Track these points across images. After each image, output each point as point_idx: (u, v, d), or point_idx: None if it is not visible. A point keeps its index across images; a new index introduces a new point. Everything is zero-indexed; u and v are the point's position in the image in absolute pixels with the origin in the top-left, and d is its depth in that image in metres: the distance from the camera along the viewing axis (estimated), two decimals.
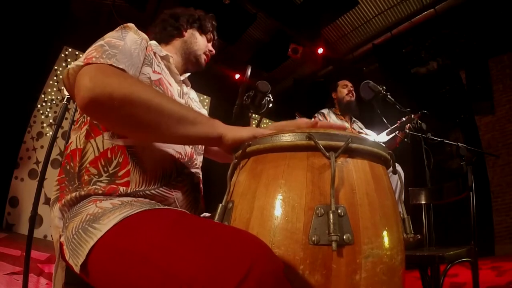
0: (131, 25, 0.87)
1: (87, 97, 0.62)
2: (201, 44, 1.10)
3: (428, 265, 1.38)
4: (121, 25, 0.85)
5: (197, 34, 1.10)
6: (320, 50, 4.73)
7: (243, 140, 0.70)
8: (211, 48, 1.14)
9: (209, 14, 1.16)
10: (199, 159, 0.97)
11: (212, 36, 1.15)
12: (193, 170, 0.89)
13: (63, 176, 0.77)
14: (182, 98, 0.99)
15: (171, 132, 0.68)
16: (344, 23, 4.65)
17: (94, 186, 0.72)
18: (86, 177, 0.74)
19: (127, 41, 0.79)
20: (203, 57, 1.10)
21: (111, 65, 0.69)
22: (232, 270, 0.45)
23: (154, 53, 0.92)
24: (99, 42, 0.75)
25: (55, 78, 3.93)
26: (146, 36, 0.91)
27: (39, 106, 3.80)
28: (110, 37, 0.78)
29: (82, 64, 0.68)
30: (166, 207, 0.72)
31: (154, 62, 0.90)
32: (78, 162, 0.75)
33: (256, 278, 0.44)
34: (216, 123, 0.74)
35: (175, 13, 1.11)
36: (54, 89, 3.90)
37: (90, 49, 0.73)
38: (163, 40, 1.07)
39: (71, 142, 0.80)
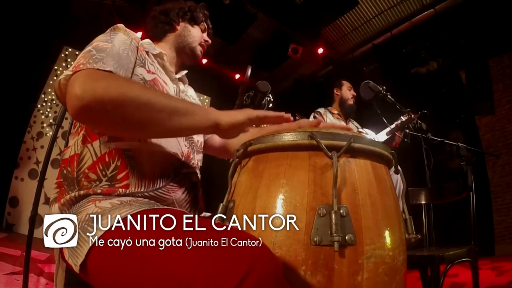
0: (121, 25, 0.87)
1: (77, 105, 0.62)
2: (195, 35, 1.08)
3: (428, 265, 1.37)
4: (111, 27, 0.85)
5: (189, 26, 1.08)
6: (320, 50, 4.72)
7: (239, 124, 0.70)
8: (206, 38, 1.11)
9: (200, 3, 1.13)
10: (197, 158, 0.96)
11: (206, 25, 1.13)
12: (191, 170, 0.89)
13: (62, 180, 0.77)
14: (179, 96, 0.98)
15: (165, 126, 0.68)
16: (344, 23, 4.65)
17: (93, 189, 0.72)
18: (85, 182, 0.74)
19: (115, 43, 0.79)
20: (199, 49, 1.08)
21: (98, 69, 0.69)
22: (231, 270, 0.45)
23: (147, 52, 0.91)
24: (87, 48, 0.75)
25: (55, 78, 3.92)
26: (136, 36, 0.90)
27: (39, 106, 3.80)
28: (98, 41, 0.78)
29: (71, 73, 0.68)
30: (165, 207, 0.72)
31: (147, 61, 0.89)
32: (75, 167, 0.75)
33: (255, 279, 0.44)
34: (210, 110, 0.73)
35: (165, 8, 1.09)
36: None
37: (79, 56, 0.73)
38: (157, 37, 1.06)
39: (69, 147, 0.80)
